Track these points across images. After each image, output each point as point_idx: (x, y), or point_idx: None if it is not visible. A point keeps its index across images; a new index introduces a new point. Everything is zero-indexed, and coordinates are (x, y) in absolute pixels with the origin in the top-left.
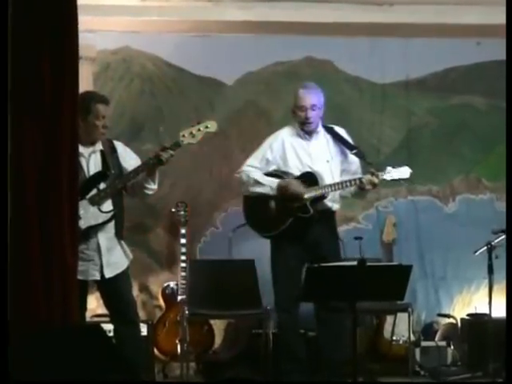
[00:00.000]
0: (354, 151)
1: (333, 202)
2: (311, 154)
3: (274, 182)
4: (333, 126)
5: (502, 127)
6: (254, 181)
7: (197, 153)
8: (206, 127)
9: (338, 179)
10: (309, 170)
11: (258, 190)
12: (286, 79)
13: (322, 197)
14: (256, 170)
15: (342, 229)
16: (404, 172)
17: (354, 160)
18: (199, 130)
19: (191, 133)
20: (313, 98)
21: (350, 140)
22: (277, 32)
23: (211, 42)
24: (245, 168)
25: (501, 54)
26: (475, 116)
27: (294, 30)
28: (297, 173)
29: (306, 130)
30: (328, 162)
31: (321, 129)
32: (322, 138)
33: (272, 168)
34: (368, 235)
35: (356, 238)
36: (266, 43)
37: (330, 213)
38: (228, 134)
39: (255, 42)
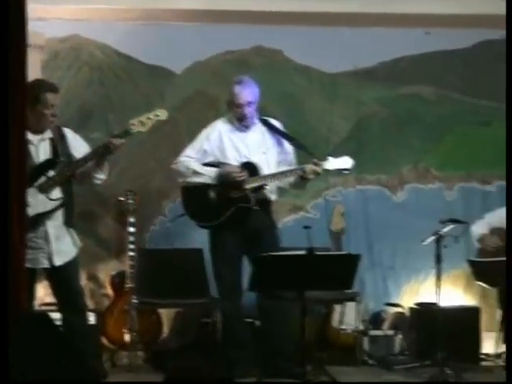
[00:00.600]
0: (293, 142)
1: (271, 193)
2: (248, 146)
3: (213, 171)
4: (267, 118)
5: (450, 117)
6: (192, 171)
7: (146, 141)
8: (156, 115)
9: (274, 170)
10: (247, 160)
11: (197, 179)
12: (236, 68)
13: (262, 187)
14: (193, 160)
15: (290, 218)
16: (346, 162)
17: (289, 151)
18: (149, 118)
19: (141, 121)
20: (249, 95)
21: (284, 131)
22: (226, 21)
23: (160, 30)
24: (182, 158)
25: (449, 44)
26: (424, 106)
27: (244, 18)
28: (235, 164)
29: (244, 125)
30: (264, 153)
31: (257, 120)
32: (258, 130)
33: (209, 159)
34: (316, 224)
35: (304, 227)
36: (216, 32)
37: (267, 202)
38: (177, 123)
39: (204, 31)
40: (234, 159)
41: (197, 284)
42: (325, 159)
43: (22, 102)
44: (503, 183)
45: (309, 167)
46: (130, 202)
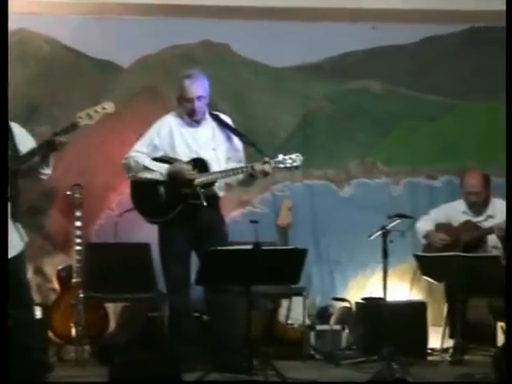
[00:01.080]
0: (243, 138)
1: (219, 189)
2: (198, 141)
3: (163, 167)
4: (218, 113)
5: (397, 112)
6: (142, 166)
7: (92, 136)
8: (104, 108)
9: (223, 167)
10: (195, 156)
11: (147, 175)
12: (183, 63)
13: (212, 183)
14: (143, 155)
15: (237, 213)
16: (296, 159)
17: (239, 148)
18: (96, 111)
19: (88, 114)
20: (199, 89)
21: (234, 127)
22: (174, 15)
23: (108, 24)
24: (132, 154)
25: (396, 39)
26: (371, 100)
27: (191, 13)
28: (185, 159)
29: (194, 119)
30: (214, 149)
31: (208, 116)
32: (208, 126)
33: (159, 154)
34: (264, 219)
35: (251, 222)
36: (163, 26)
37: (216, 199)
38: (124, 118)
39: (152, 25)
40: (184, 155)
41: (144, 279)
42: (275, 157)
43: None
44: (449, 178)
45: (259, 166)
46: (77, 196)
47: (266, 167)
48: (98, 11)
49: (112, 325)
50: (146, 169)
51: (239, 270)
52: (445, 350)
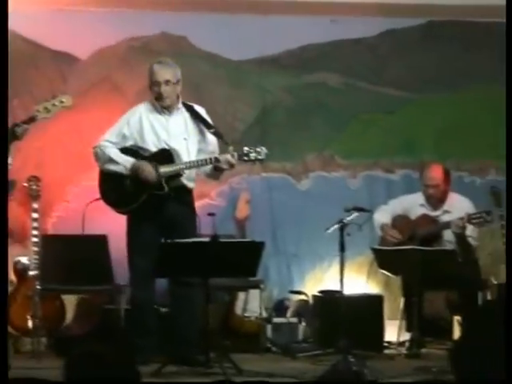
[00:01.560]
0: (212, 130)
1: (188, 180)
2: (169, 131)
3: (128, 161)
4: (193, 104)
5: (355, 105)
6: (108, 158)
7: (50, 127)
8: (61, 102)
9: (194, 158)
10: (165, 146)
11: (113, 167)
12: (141, 55)
13: (178, 174)
14: (112, 145)
15: (195, 205)
16: (261, 152)
17: (212, 141)
18: (54, 104)
19: (46, 107)
20: (167, 73)
21: (208, 119)
22: (132, 7)
23: (67, 16)
24: (101, 143)
25: (355, 32)
26: (329, 94)
27: (150, 5)
28: (153, 149)
29: (162, 105)
30: (185, 139)
31: (180, 106)
32: (180, 115)
33: (129, 143)
34: (221, 212)
35: (209, 215)
36: (122, 18)
37: (185, 190)
38: (82, 109)
39: (110, 17)
40: (152, 144)
41: (100, 271)
42: (241, 150)
43: None
44: (407, 172)
45: (223, 157)
46: (34, 187)
47: (231, 159)
48: (56, 3)
49: (69, 317)
50: (111, 161)
51: (196, 262)
52: (401, 344)
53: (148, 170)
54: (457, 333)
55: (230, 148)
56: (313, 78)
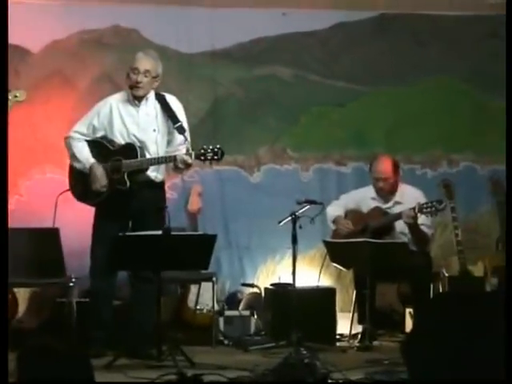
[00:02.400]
0: (177, 125)
1: (156, 173)
2: (139, 123)
3: (88, 161)
4: (165, 94)
5: (306, 98)
6: (72, 153)
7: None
8: (15, 96)
9: (163, 149)
10: (134, 139)
11: (75, 164)
12: (93, 48)
13: (142, 169)
14: (81, 136)
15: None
16: (217, 152)
17: (178, 133)
18: (7, 99)
19: None
20: (148, 64)
21: (179, 110)
22: (83, 0)
23: (18, 9)
24: (70, 134)
25: (305, 26)
26: (280, 86)
27: None
28: (121, 141)
29: (134, 94)
30: (155, 131)
31: (152, 96)
32: (151, 107)
33: (100, 134)
34: (173, 204)
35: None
36: (73, 11)
37: (153, 184)
38: (33, 102)
39: (62, 10)
40: (120, 136)
41: (52, 264)
42: (199, 148)
43: None
44: (358, 164)
45: (180, 156)
46: None
47: (187, 158)
48: None
49: (20, 310)
50: (74, 157)
51: (148, 255)
52: (353, 336)
53: (98, 176)
54: (409, 325)
55: (188, 146)
56: (264, 71)
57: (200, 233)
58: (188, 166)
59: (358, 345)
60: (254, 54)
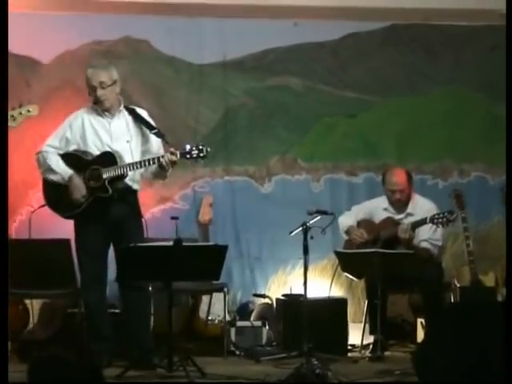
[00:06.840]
0: (154, 131)
1: (133, 182)
2: (111, 134)
3: (67, 172)
4: (134, 107)
5: (317, 108)
6: (48, 166)
7: (12, 132)
8: (28, 111)
9: (138, 159)
10: (108, 149)
11: (52, 177)
12: (104, 58)
13: (122, 176)
14: (55, 150)
15: (158, 208)
16: (202, 150)
17: (155, 141)
18: (21, 113)
19: (12, 116)
20: (100, 76)
21: (150, 121)
22: (95, 11)
23: (29, 19)
24: (44, 148)
25: (316, 36)
26: (291, 97)
27: (112, 9)
28: (96, 152)
29: (102, 108)
30: (128, 141)
31: (122, 108)
32: (122, 118)
33: (72, 147)
34: (184, 215)
35: (172, 218)
36: (84, 22)
37: (130, 191)
38: (44, 114)
39: (73, 21)
40: (94, 147)
41: (63, 274)
42: (183, 148)
43: None
44: (369, 175)
45: (165, 156)
46: None
47: (173, 157)
48: (18, 7)
49: (32, 321)
50: (51, 170)
51: (160, 266)
52: (365, 347)
53: (77, 187)
54: (420, 335)
55: (172, 149)
56: (275, 82)
57: (211, 243)
58: (173, 163)
59: (369, 355)
60: (265, 64)
